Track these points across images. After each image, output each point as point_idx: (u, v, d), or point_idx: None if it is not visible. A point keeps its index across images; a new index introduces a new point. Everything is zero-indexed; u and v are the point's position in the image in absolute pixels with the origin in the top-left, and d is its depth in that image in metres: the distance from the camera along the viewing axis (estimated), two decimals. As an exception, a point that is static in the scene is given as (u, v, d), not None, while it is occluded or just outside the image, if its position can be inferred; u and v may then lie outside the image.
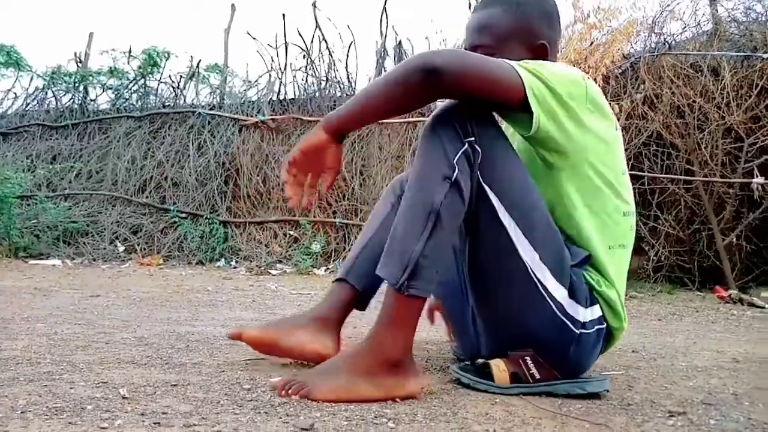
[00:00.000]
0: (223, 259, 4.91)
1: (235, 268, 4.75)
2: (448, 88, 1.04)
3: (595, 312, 1.13)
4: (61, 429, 0.80)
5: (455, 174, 1.03)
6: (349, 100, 1.12)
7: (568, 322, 1.08)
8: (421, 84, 1.02)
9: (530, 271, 1.07)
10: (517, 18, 1.26)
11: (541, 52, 1.25)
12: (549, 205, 1.14)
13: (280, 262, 4.79)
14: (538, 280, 1.07)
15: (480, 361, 1.17)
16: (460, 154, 1.04)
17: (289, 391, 1.01)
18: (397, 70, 1.06)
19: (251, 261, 4.81)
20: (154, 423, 0.84)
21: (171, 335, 1.66)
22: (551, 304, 1.08)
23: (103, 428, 0.81)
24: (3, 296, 2.61)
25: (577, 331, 1.09)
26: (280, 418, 0.90)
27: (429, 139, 1.07)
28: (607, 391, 1.15)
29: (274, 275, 4.44)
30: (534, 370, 1.11)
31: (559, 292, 1.08)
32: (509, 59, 1.12)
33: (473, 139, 1.06)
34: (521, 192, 1.09)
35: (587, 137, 1.11)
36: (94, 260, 4.86)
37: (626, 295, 3.71)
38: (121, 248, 5.09)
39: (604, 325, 1.15)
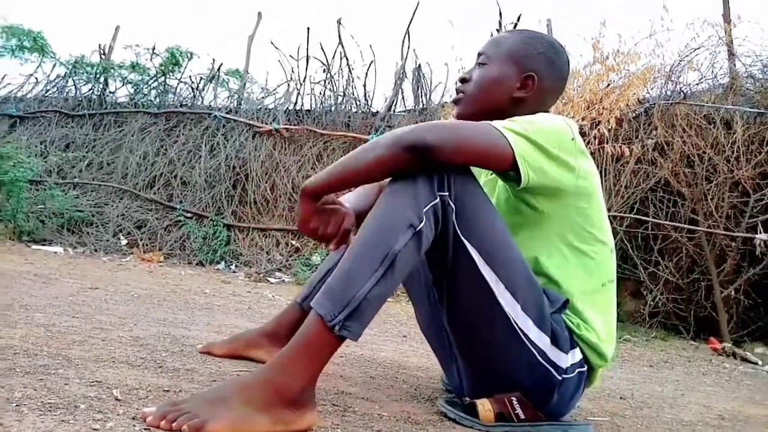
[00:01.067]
0: (223, 262, 4.94)
1: (234, 272, 4.77)
2: (438, 162, 1.06)
3: (576, 356, 1.15)
4: (54, 426, 0.82)
5: (421, 225, 1.03)
6: (334, 165, 1.12)
7: (551, 369, 1.11)
8: (409, 162, 1.05)
9: (513, 321, 1.09)
10: (523, 43, 1.32)
11: (528, 83, 1.29)
12: (535, 250, 1.17)
13: (280, 270, 4.81)
14: (521, 330, 1.09)
15: (466, 400, 1.18)
16: (430, 206, 1.05)
17: (174, 424, 0.88)
18: (384, 145, 1.06)
19: (251, 267, 4.83)
20: (144, 429, 0.86)
21: (166, 338, 1.68)
22: (534, 352, 1.10)
23: (95, 429, 0.83)
24: (3, 280, 2.63)
25: (560, 377, 1.11)
26: (267, 435, 0.92)
27: (400, 184, 1.07)
28: (590, 437, 1.16)
29: (272, 283, 4.46)
30: (519, 411, 1.13)
31: (542, 341, 1.10)
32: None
33: (447, 194, 1.06)
34: (500, 244, 1.10)
35: (576, 182, 1.15)
36: (96, 251, 4.89)
37: (620, 338, 3.74)
38: (124, 242, 5.12)
39: (585, 368, 1.17)
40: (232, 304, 3.10)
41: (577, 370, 1.15)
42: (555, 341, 1.12)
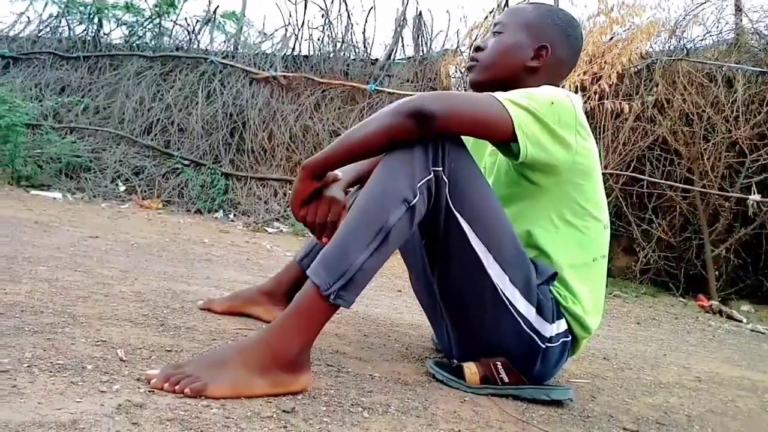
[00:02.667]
0: (221, 211, 4.97)
1: (232, 221, 4.81)
2: (439, 131, 1.08)
3: (560, 326, 1.20)
4: (65, 388, 0.87)
5: (415, 200, 1.06)
6: (335, 140, 1.12)
7: (535, 337, 1.16)
8: (412, 128, 1.06)
9: (500, 291, 1.13)
10: (540, 15, 1.34)
11: (541, 53, 1.32)
12: (529, 223, 1.21)
13: (278, 220, 4.86)
14: (508, 299, 1.14)
15: (454, 362, 1.24)
16: (424, 181, 1.07)
17: (177, 387, 0.92)
18: (385, 115, 1.08)
19: (249, 216, 4.87)
20: (149, 391, 0.91)
21: (167, 293, 1.73)
22: (520, 321, 1.15)
23: (102, 392, 0.88)
24: (4, 228, 2.67)
25: (543, 345, 1.17)
26: (265, 398, 0.97)
27: (396, 158, 1.08)
28: (571, 400, 1.23)
29: (270, 233, 4.51)
30: (503, 375, 1.19)
31: (528, 310, 1.15)
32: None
33: (440, 169, 1.08)
34: (490, 217, 1.14)
35: (574, 159, 1.17)
36: (95, 197, 4.92)
37: (611, 294, 3.82)
38: (122, 188, 5.14)
39: (570, 338, 1.23)
40: (231, 255, 3.15)
41: (561, 340, 1.20)
42: (540, 311, 1.17)
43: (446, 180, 1.09)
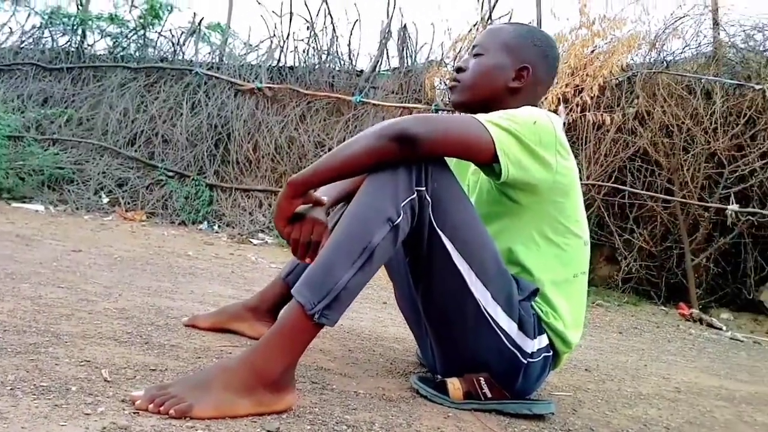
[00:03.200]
0: (206, 222, 4.96)
1: (216, 233, 4.80)
2: (422, 154, 1.10)
3: (542, 341, 1.22)
4: (49, 411, 0.87)
5: (399, 220, 1.07)
6: (320, 159, 1.13)
7: (517, 353, 1.18)
8: (396, 151, 1.08)
9: (483, 308, 1.15)
10: (519, 36, 1.38)
11: (522, 74, 1.34)
12: (511, 240, 1.23)
13: (262, 231, 4.85)
14: (490, 316, 1.16)
15: (438, 377, 1.26)
16: (407, 201, 1.09)
17: (162, 408, 0.92)
18: (370, 138, 1.09)
19: (234, 228, 4.87)
20: (134, 413, 0.92)
21: (151, 309, 1.73)
22: (502, 337, 1.17)
23: (87, 414, 0.88)
24: (-14, 243, 2.65)
25: (525, 361, 1.19)
26: (250, 418, 0.98)
27: (380, 178, 1.10)
28: (553, 413, 1.25)
29: (255, 245, 4.51)
30: (486, 390, 1.20)
31: (510, 326, 1.17)
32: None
33: (424, 188, 1.10)
34: (473, 235, 1.16)
35: (554, 178, 1.19)
36: (78, 209, 4.88)
37: (593, 303, 3.86)
38: (105, 200, 5.11)
39: (551, 352, 1.25)
40: (216, 267, 3.15)
41: (543, 355, 1.22)
42: (522, 327, 1.19)
43: (429, 199, 1.11)
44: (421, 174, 1.11)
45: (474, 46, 1.39)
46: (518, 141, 1.13)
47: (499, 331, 1.17)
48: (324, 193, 1.24)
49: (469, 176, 1.42)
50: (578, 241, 1.28)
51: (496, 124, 1.13)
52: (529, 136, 1.14)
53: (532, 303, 1.22)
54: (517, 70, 1.34)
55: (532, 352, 1.20)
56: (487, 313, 1.16)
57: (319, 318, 1.02)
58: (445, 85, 5.40)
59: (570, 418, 1.28)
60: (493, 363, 1.19)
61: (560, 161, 1.19)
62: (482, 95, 1.34)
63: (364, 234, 1.05)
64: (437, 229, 1.13)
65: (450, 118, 1.16)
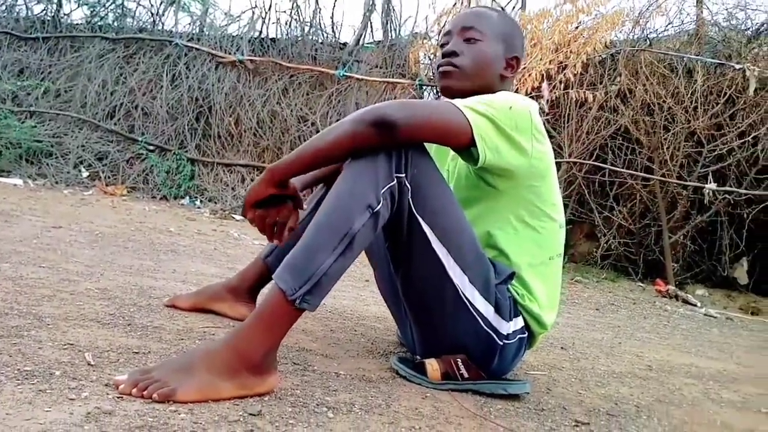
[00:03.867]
0: (188, 197, 4.93)
1: (199, 208, 4.78)
2: (401, 140, 1.11)
3: (518, 323, 1.26)
4: (33, 397, 0.88)
5: (379, 206, 1.09)
6: (299, 147, 1.14)
7: (493, 335, 1.21)
8: (374, 137, 1.09)
9: (460, 292, 1.18)
10: (508, 27, 1.42)
11: (512, 63, 1.39)
12: (488, 224, 1.26)
13: (245, 206, 4.84)
14: (468, 299, 1.19)
15: (417, 358, 1.29)
16: (387, 188, 1.10)
17: (145, 392, 0.94)
18: (349, 124, 1.10)
19: (216, 203, 4.85)
20: (117, 397, 0.93)
21: (133, 289, 1.73)
22: (479, 320, 1.20)
23: (71, 399, 0.89)
24: (-36, 219, 2.62)
25: (501, 342, 1.22)
26: (232, 401, 1.00)
27: (361, 165, 1.11)
28: (527, 393, 1.29)
29: (237, 221, 4.50)
30: (463, 371, 1.24)
31: (486, 309, 1.20)
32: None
33: (403, 175, 1.12)
34: (451, 221, 1.18)
35: (530, 162, 1.22)
36: (57, 183, 4.82)
37: (572, 279, 3.93)
38: (85, 174, 5.05)
39: (526, 334, 1.29)
40: (198, 244, 3.15)
41: (518, 336, 1.26)
42: (498, 310, 1.22)
43: (409, 186, 1.13)
44: (401, 161, 1.12)
45: (465, 28, 1.38)
46: (495, 126, 1.14)
47: (476, 314, 1.20)
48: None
49: (448, 162, 1.43)
50: (554, 224, 1.31)
51: (473, 109, 1.14)
52: (506, 121, 1.16)
53: (509, 286, 1.25)
54: (508, 59, 1.38)
55: (508, 334, 1.23)
56: (465, 296, 1.19)
57: (300, 303, 1.04)
58: (430, 59, 5.37)
59: (544, 398, 1.32)
60: (470, 345, 1.23)
61: (536, 146, 1.21)
62: (479, 83, 1.35)
63: (345, 221, 1.07)
64: (416, 215, 1.14)
65: (428, 104, 1.17)
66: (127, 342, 1.23)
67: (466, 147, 1.16)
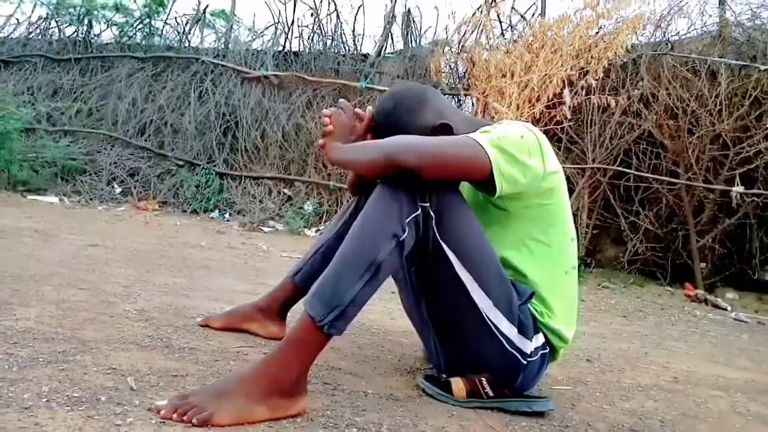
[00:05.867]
0: (217, 211, 5.04)
1: (228, 221, 4.88)
2: (425, 181, 1.17)
3: (539, 340, 1.30)
4: (83, 423, 0.95)
5: (404, 236, 1.14)
6: (353, 145, 1.28)
7: (517, 355, 1.25)
8: (398, 174, 1.16)
9: (484, 315, 1.22)
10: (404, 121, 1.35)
11: (444, 127, 1.32)
12: (502, 247, 1.29)
13: (273, 219, 4.93)
14: (492, 322, 1.23)
15: (443, 376, 1.33)
16: (412, 217, 1.16)
17: (185, 417, 1.00)
18: (380, 152, 1.18)
19: (244, 215, 4.95)
20: (159, 422, 0.99)
21: (169, 309, 1.81)
22: (503, 341, 1.24)
23: (117, 425, 0.96)
24: (5, 240, 2.74)
25: (525, 361, 1.26)
26: (266, 423, 1.06)
27: (388, 192, 1.17)
28: (552, 410, 1.32)
29: (266, 233, 4.59)
30: (488, 389, 1.27)
31: (510, 331, 1.24)
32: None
33: (428, 204, 1.17)
34: (475, 247, 1.22)
35: (541, 184, 1.26)
36: (91, 200, 4.98)
37: (599, 285, 3.92)
38: (118, 190, 5.20)
39: (548, 349, 1.32)
40: (228, 258, 3.23)
41: (540, 353, 1.29)
42: (521, 330, 1.25)
43: (433, 215, 1.18)
44: (426, 189, 1.17)
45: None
46: (512, 158, 1.19)
47: (500, 336, 1.24)
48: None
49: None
50: (566, 238, 1.34)
51: (492, 143, 1.18)
52: (520, 150, 1.20)
53: (529, 305, 1.29)
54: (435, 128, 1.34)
55: (531, 352, 1.27)
56: (489, 319, 1.22)
57: (328, 329, 1.10)
58: (450, 68, 5.41)
59: (568, 414, 1.35)
60: (494, 364, 1.26)
61: (546, 166, 1.26)
62: None
63: (371, 249, 1.12)
64: (441, 242, 1.19)
65: (446, 143, 1.21)
66: (165, 365, 1.29)
67: (483, 180, 1.20)
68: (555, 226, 1.32)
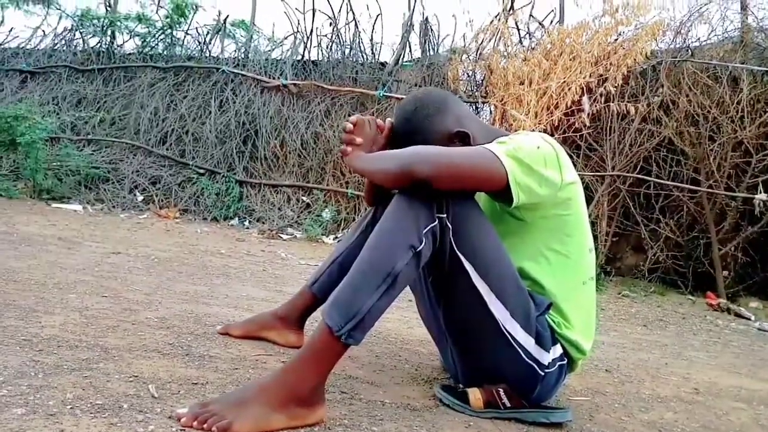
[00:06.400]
0: (236, 218, 5.09)
1: (247, 228, 4.93)
2: (440, 192, 1.18)
3: (557, 351, 1.29)
4: (106, 430, 0.97)
5: (421, 247, 1.15)
6: (373, 155, 1.30)
7: (535, 366, 1.25)
8: (414, 185, 1.17)
9: (502, 326, 1.22)
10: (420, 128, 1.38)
11: (462, 136, 1.34)
12: (520, 258, 1.29)
13: (291, 226, 4.97)
14: (509, 333, 1.23)
15: (460, 386, 1.33)
16: (429, 228, 1.16)
17: (205, 425, 1.01)
18: (396, 163, 1.19)
19: (264, 223, 4.99)
20: (180, 430, 1.01)
21: (189, 317, 1.83)
22: (521, 352, 1.24)
23: (139, 432, 0.98)
24: (31, 247, 2.80)
25: (542, 372, 1.26)
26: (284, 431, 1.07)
27: (405, 203, 1.18)
28: (570, 421, 1.31)
29: (284, 240, 4.63)
30: (505, 400, 1.27)
31: (527, 342, 1.24)
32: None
33: (444, 215, 1.18)
34: (492, 257, 1.22)
35: (558, 194, 1.26)
36: (114, 207, 5.06)
37: (619, 294, 3.88)
38: (140, 198, 5.28)
39: (566, 360, 1.32)
40: (248, 266, 3.26)
41: (558, 364, 1.29)
42: (539, 341, 1.25)
43: (450, 226, 1.18)
44: (442, 201, 1.18)
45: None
46: (528, 169, 1.19)
47: (517, 347, 1.24)
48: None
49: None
50: (583, 249, 1.34)
51: (508, 155, 1.19)
52: (536, 161, 1.20)
53: (546, 316, 1.29)
54: (452, 137, 1.37)
55: (548, 363, 1.27)
56: (506, 330, 1.23)
57: (346, 339, 1.11)
58: (468, 75, 5.42)
59: (586, 425, 1.34)
60: (512, 375, 1.27)
61: (564, 176, 1.26)
62: None
63: (388, 260, 1.13)
64: (458, 253, 1.19)
65: (461, 154, 1.21)
66: (186, 373, 1.31)
67: (500, 191, 1.20)
68: (573, 236, 1.32)
